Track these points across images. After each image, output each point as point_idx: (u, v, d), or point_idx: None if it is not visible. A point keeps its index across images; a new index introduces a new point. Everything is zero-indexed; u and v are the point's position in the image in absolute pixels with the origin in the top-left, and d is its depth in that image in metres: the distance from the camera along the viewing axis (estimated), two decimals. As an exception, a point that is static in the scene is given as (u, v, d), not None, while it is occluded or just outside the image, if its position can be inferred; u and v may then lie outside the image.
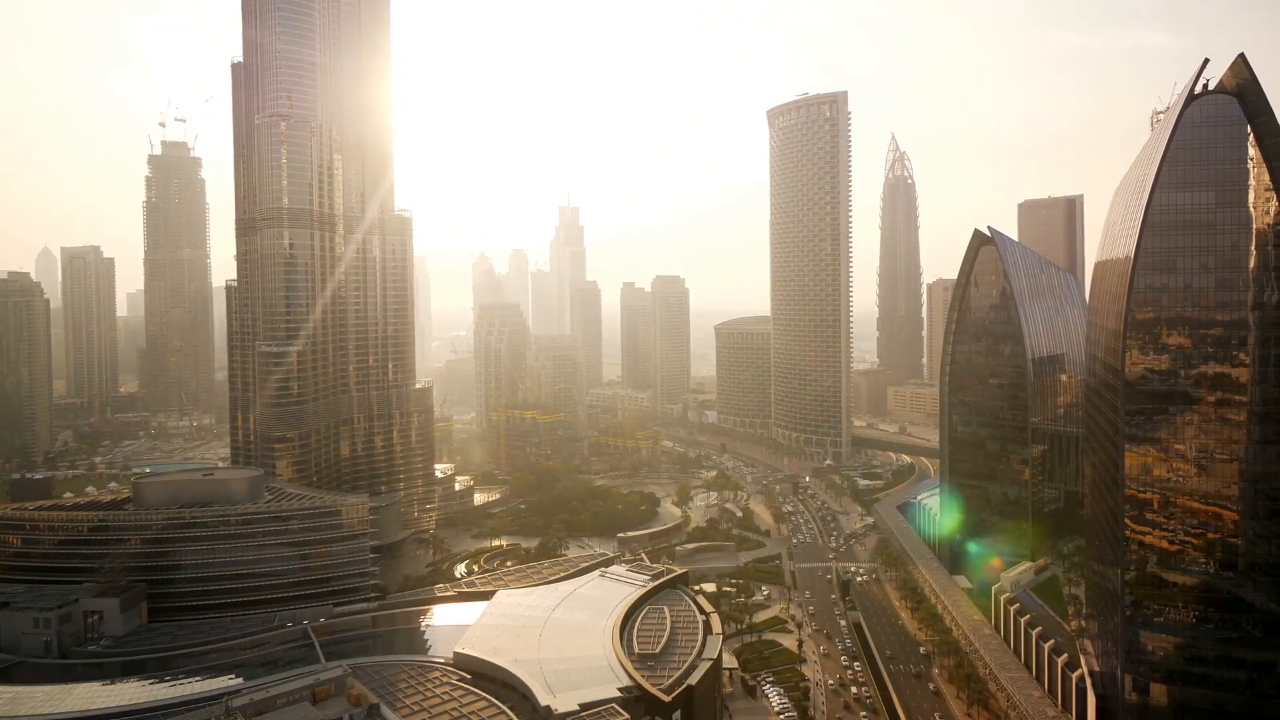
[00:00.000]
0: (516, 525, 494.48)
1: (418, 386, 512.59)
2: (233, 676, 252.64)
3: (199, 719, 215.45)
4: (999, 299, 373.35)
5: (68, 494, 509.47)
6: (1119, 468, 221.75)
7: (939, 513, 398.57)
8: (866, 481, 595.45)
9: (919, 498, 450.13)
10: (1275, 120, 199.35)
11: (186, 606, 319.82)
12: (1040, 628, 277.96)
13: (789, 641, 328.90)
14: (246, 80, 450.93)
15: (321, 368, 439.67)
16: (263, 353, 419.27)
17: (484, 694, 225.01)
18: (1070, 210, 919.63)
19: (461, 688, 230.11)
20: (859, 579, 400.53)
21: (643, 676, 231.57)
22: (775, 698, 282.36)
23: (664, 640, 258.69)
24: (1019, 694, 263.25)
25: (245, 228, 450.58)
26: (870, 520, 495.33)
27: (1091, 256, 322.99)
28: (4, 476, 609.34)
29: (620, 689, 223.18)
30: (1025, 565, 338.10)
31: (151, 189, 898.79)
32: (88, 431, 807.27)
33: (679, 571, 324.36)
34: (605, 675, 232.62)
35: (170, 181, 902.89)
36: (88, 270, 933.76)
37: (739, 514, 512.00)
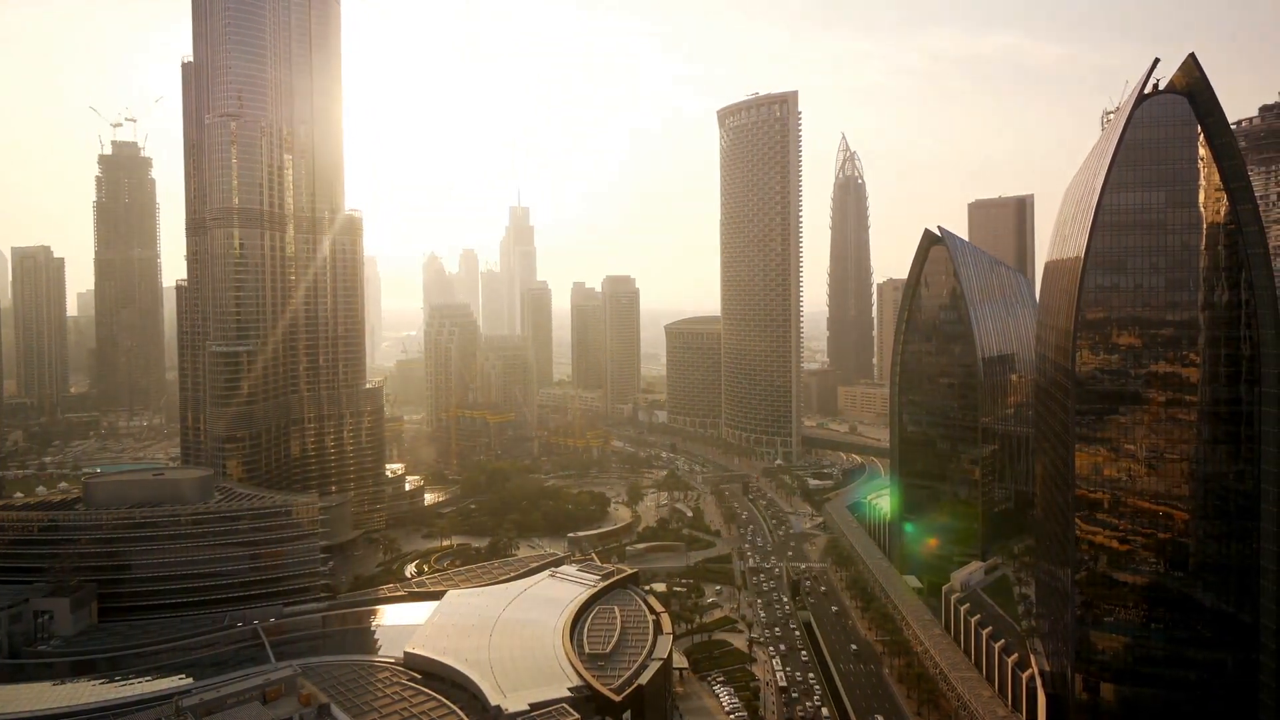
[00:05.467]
0: (467, 525, 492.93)
1: (368, 386, 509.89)
2: (183, 676, 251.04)
3: (149, 719, 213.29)
4: (949, 299, 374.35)
5: (17, 494, 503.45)
6: (1069, 467, 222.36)
7: (889, 512, 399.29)
8: (817, 481, 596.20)
9: (869, 497, 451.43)
10: (1225, 120, 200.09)
11: (137, 606, 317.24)
12: (991, 627, 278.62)
13: (739, 641, 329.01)
14: (197, 79, 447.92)
15: (272, 367, 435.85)
16: (213, 353, 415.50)
17: (434, 694, 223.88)
18: (1020, 210, 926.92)
19: (412, 687, 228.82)
20: (809, 578, 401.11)
21: (593, 676, 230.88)
22: (725, 697, 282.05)
23: (614, 640, 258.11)
24: (969, 693, 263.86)
25: (195, 227, 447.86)
26: (820, 520, 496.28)
27: (1042, 256, 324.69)
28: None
29: (570, 689, 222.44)
30: (976, 565, 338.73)
31: (102, 189, 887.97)
32: (38, 431, 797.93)
33: (629, 571, 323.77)
34: (555, 675, 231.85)
35: (120, 181, 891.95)
36: (38, 270, 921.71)
37: (689, 514, 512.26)
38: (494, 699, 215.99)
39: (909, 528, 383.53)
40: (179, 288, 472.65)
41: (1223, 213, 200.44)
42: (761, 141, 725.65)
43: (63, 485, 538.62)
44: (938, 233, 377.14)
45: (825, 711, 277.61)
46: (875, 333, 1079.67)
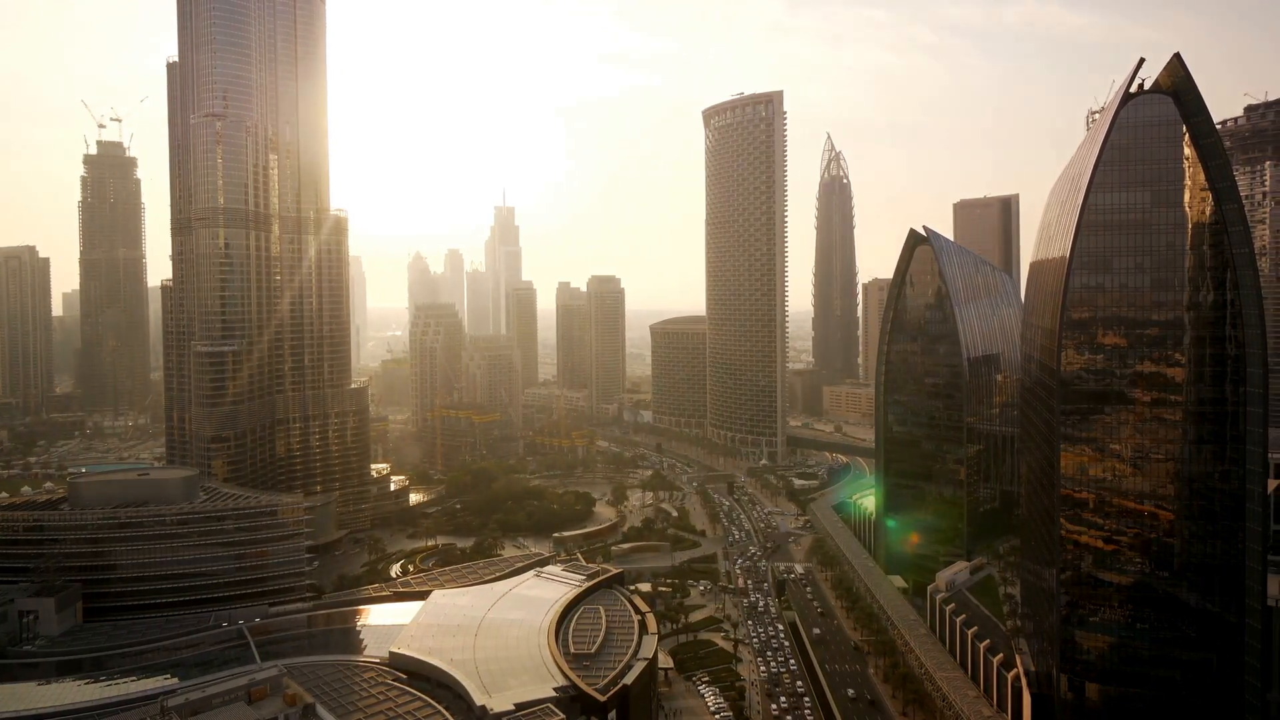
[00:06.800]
0: (452, 525, 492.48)
1: (353, 386, 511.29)
2: (168, 676, 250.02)
3: (134, 719, 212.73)
4: (934, 298, 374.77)
5: (2, 494, 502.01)
6: (1054, 467, 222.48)
7: (874, 512, 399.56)
8: (802, 481, 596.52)
9: (854, 497, 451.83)
10: (1210, 120, 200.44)
11: (122, 606, 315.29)
12: (976, 627, 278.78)
13: (724, 641, 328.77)
14: (182, 79, 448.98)
15: (257, 367, 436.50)
16: (198, 353, 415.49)
17: (419, 694, 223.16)
18: (1005, 210, 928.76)
19: (397, 687, 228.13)
20: (794, 578, 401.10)
21: (578, 676, 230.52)
22: (710, 697, 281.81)
23: (599, 640, 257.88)
24: (954, 693, 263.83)
25: (181, 227, 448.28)
26: (806, 520, 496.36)
27: (1027, 256, 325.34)
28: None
29: (555, 689, 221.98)
30: (961, 565, 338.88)
31: (87, 189, 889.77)
32: (23, 431, 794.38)
33: (614, 571, 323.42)
34: (541, 675, 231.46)
35: (106, 181, 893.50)
36: (23, 270, 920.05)
37: (674, 514, 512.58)
38: (479, 699, 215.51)
39: (894, 527, 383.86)
40: (164, 288, 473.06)
41: (1208, 213, 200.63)
42: (746, 141, 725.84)
43: (48, 485, 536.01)
44: (923, 232, 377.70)
45: (810, 712, 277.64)
46: (860, 332, 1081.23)
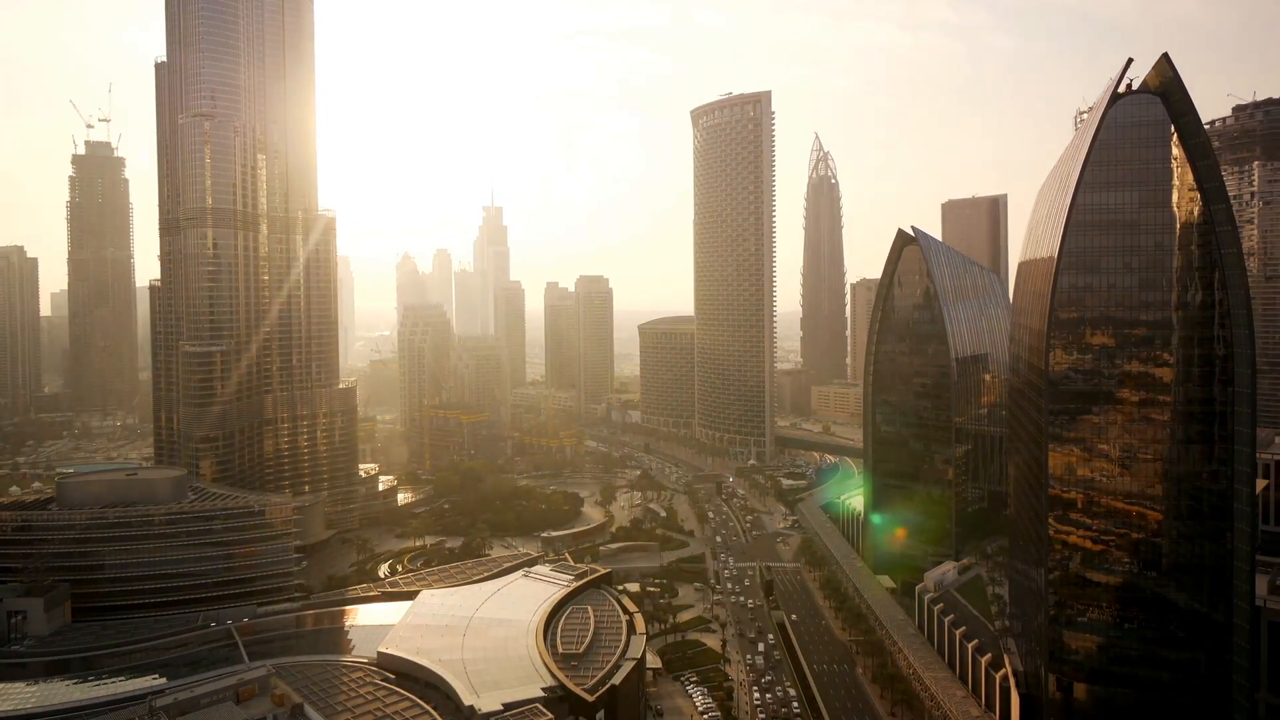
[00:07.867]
0: (440, 525, 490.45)
1: (341, 386, 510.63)
2: (157, 676, 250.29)
3: (123, 719, 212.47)
4: (923, 298, 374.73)
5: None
6: (1042, 467, 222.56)
7: (862, 512, 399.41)
8: (790, 481, 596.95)
9: (842, 497, 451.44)
10: (1199, 120, 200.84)
11: (111, 606, 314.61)
12: (964, 627, 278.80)
13: (712, 641, 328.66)
14: (170, 80, 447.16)
15: (245, 368, 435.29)
16: (186, 353, 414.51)
17: (407, 694, 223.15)
18: (994, 209, 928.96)
19: (385, 688, 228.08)
20: (782, 578, 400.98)
21: (566, 676, 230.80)
22: (699, 697, 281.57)
23: (588, 640, 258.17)
24: (943, 693, 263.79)
25: (169, 227, 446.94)
26: (794, 520, 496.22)
27: (1015, 256, 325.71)
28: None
29: (544, 689, 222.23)
30: (949, 565, 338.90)
31: (75, 189, 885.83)
32: (11, 432, 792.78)
33: (603, 571, 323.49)
34: (529, 675, 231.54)
35: (94, 181, 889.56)
36: (11, 270, 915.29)
37: (663, 514, 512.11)
38: (467, 699, 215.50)
39: (882, 527, 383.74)
40: (152, 288, 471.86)
41: (1196, 213, 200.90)
42: (735, 141, 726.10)
43: (36, 485, 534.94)
44: (911, 232, 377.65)
45: (799, 711, 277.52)
46: (849, 332, 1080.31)
